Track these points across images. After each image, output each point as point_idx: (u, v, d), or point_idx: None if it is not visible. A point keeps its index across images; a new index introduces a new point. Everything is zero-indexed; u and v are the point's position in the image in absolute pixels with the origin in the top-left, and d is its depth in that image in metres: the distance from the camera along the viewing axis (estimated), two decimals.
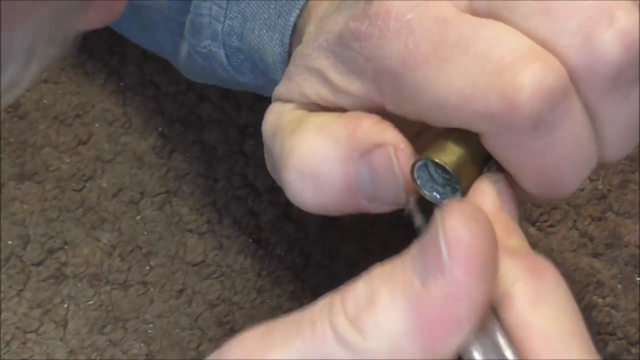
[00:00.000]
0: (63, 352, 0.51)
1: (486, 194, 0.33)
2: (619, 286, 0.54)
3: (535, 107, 0.31)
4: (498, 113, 0.31)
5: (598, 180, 0.57)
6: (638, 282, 0.54)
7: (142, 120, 0.57)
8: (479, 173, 0.34)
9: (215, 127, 0.56)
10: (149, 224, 0.54)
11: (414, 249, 0.28)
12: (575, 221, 0.56)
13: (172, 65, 0.58)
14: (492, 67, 0.31)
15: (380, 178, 0.34)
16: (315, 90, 0.36)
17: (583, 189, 0.57)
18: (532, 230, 0.55)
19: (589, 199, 0.56)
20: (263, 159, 0.56)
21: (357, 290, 0.28)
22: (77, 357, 0.51)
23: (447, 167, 0.33)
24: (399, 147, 0.33)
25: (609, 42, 0.31)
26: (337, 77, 0.35)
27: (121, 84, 0.58)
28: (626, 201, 0.56)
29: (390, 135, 0.33)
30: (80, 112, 0.57)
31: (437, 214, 0.27)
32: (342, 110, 0.36)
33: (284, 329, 0.28)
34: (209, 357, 0.28)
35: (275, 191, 0.55)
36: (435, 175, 0.34)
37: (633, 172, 0.57)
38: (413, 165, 0.33)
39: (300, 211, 0.55)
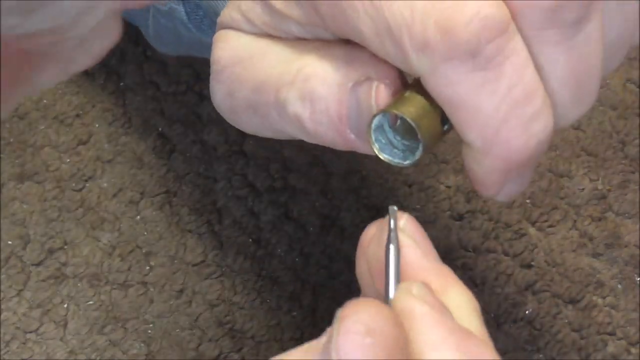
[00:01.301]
0: (63, 352, 0.51)
1: (404, 246, 0.33)
2: (619, 286, 0.54)
3: (473, 35, 0.30)
4: (435, 41, 0.30)
5: (598, 180, 0.57)
6: (638, 282, 0.54)
7: (142, 120, 0.57)
8: (441, 130, 0.33)
9: (215, 127, 0.56)
10: (149, 224, 0.54)
11: (323, 341, 0.29)
12: (575, 221, 0.56)
13: (172, 65, 0.58)
14: None
15: (362, 112, 0.34)
16: (260, 19, 0.36)
17: (583, 189, 0.57)
18: (532, 230, 0.55)
19: (589, 199, 0.56)
20: (263, 159, 0.56)
21: None
22: (77, 357, 0.51)
23: (405, 118, 0.32)
24: (381, 84, 0.33)
25: None
26: (279, 3, 0.35)
27: (121, 84, 0.58)
28: (626, 201, 0.56)
29: (382, 70, 0.33)
30: (80, 112, 0.57)
31: (337, 314, 0.28)
32: (292, 38, 0.36)
33: None
34: None
35: (275, 191, 0.55)
36: (395, 142, 0.34)
37: (633, 172, 0.57)
38: (370, 123, 0.33)
39: (300, 211, 0.55)
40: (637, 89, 0.60)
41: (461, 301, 0.32)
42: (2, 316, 0.51)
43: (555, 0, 0.31)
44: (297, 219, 0.54)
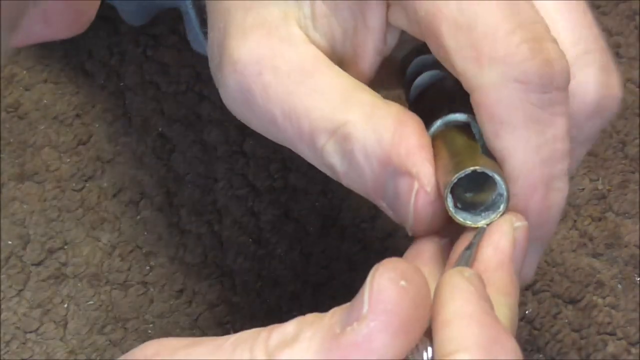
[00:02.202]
0: (63, 352, 0.51)
1: (503, 235, 0.32)
2: (619, 286, 0.54)
3: (557, 72, 0.32)
4: (520, 58, 0.31)
5: (598, 180, 0.57)
6: (638, 282, 0.54)
7: (142, 120, 0.57)
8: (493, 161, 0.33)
9: (215, 127, 0.56)
10: (149, 224, 0.54)
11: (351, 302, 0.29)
12: (575, 221, 0.56)
13: (172, 65, 0.58)
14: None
15: (398, 202, 0.34)
16: (329, 18, 0.35)
17: (583, 189, 0.57)
18: None
19: (589, 199, 0.56)
20: (263, 159, 0.56)
21: (286, 329, 0.29)
22: (77, 357, 0.51)
23: (490, 173, 0.32)
24: (424, 189, 0.33)
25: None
26: None
27: (121, 84, 0.58)
28: (626, 201, 0.56)
29: (424, 170, 0.33)
30: (80, 112, 0.57)
31: (373, 269, 0.28)
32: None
33: (208, 344, 0.29)
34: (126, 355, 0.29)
35: (275, 191, 0.55)
36: (463, 197, 0.33)
37: (633, 172, 0.57)
38: (446, 196, 0.32)
39: (300, 211, 0.55)
40: (637, 89, 0.60)
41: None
42: (2, 316, 0.51)
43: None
44: (297, 219, 0.54)
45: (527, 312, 0.53)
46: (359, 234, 0.54)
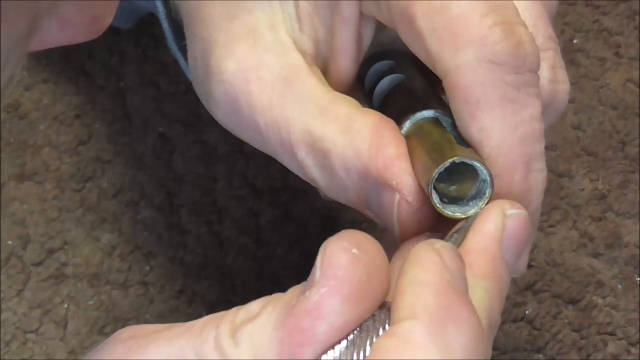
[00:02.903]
0: (63, 352, 0.51)
1: (489, 219, 0.32)
2: (619, 286, 0.54)
3: (529, 54, 0.32)
4: (493, 40, 0.32)
5: (598, 180, 0.57)
6: (638, 282, 0.54)
7: (142, 120, 0.57)
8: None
9: (215, 127, 0.56)
10: (149, 224, 0.54)
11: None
12: (575, 221, 0.56)
13: (172, 65, 0.58)
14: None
15: (382, 212, 0.34)
16: (314, 18, 0.36)
17: (583, 189, 0.57)
18: None
19: (589, 199, 0.56)
20: (263, 158, 0.56)
21: (252, 306, 0.29)
22: (77, 357, 0.51)
23: (470, 162, 0.31)
24: (405, 200, 0.33)
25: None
26: None
27: (121, 84, 0.58)
28: (626, 201, 0.56)
29: (404, 181, 0.33)
30: (80, 112, 0.57)
31: (328, 239, 0.28)
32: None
33: (180, 327, 0.29)
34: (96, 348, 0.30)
35: (275, 191, 0.55)
36: (446, 190, 0.33)
37: (633, 172, 0.57)
38: (430, 190, 0.32)
39: (300, 211, 0.55)
40: (637, 89, 0.60)
41: (486, 295, 0.31)
42: (2, 316, 0.51)
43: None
44: (297, 219, 0.54)
45: (527, 312, 0.53)
46: None
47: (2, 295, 0.52)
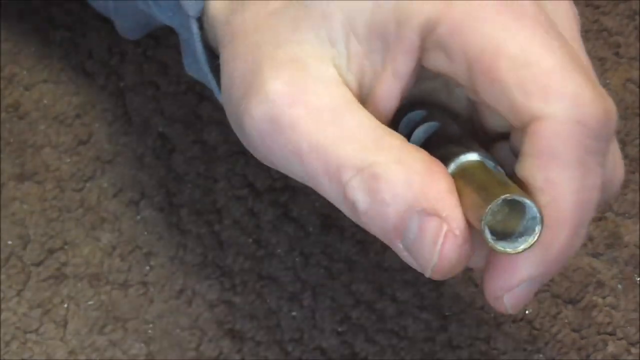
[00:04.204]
0: (63, 352, 0.51)
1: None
2: (619, 286, 0.54)
3: (611, 121, 0.34)
4: (587, 100, 0.33)
5: None
6: (638, 282, 0.54)
7: (142, 120, 0.57)
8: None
9: (215, 127, 0.56)
10: (149, 224, 0.54)
11: None
12: None
13: (172, 65, 0.58)
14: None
15: (420, 244, 0.34)
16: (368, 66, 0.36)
17: None
18: None
19: None
20: None
21: None
22: (77, 357, 0.51)
23: (522, 199, 0.32)
24: (453, 232, 0.33)
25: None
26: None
27: (121, 84, 0.58)
28: (626, 201, 0.56)
29: (454, 215, 0.33)
30: (80, 112, 0.57)
31: None
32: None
33: None
34: None
35: (275, 191, 0.55)
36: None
37: (633, 172, 0.57)
38: (484, 225, 0.32)
39: (300, 211, 0.55)
40: (637, 89, 0.60)
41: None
42: (2, 316, 0.51)
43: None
44: (297, 219, 0.54)
45: (527, 312, 0.53)
46: (359, 234, 0.54)
47: (2, 295, 0.52)
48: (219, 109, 0.57)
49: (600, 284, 0.54)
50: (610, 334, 0.53)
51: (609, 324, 0.53)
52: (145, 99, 0.57)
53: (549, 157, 0.33)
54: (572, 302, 0.54)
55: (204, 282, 0.53)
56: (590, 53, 0.61)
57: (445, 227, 0.33)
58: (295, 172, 0.37)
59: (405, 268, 0.54)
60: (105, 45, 0.58)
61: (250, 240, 0.54)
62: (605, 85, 0.60)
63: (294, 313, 0.52)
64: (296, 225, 0.54)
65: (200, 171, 0.55)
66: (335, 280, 0.53)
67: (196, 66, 0.43)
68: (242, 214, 0.54)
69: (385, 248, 0.54)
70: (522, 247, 0.33)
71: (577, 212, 0.33)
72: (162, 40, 0.58)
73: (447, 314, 0.53)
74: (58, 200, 0.54)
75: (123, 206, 0.54)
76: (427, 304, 0.53)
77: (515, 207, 0.33)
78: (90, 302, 0.52)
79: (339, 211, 0.55)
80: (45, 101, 0.57)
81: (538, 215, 0.32)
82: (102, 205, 0.54)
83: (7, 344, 0.51)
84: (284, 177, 0.55)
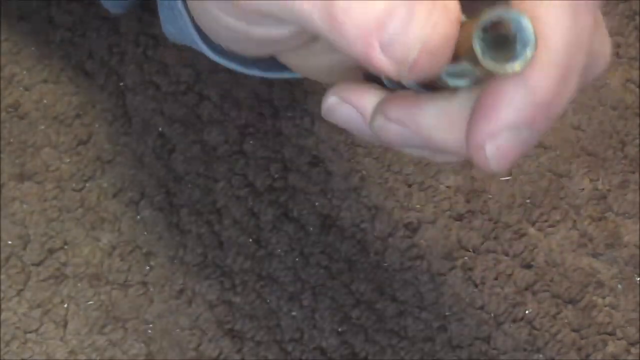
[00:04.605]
0: (63, 352, 0.51)
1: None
2: (619, 286, 0.54)
3: None
4: None
5: (598, 180, 0.57)
6: (638, 282, 0.54)
7: (142, 120, 0.57)
8: None
9: (215, 127, 0.56)
10: (149, 224, 0.54)
11: None
12: (575, 221, 0.56)
13: (172, 65, 0.58)
14: None
15: (407, 26, 0.30)
16: None
17: (583, 189, 0.57)
18: (532, 230, 0.55)
19: (589, 199, 0.56)
20: (263, 159, 0.56)
21: None
22: (77, 357, 0.51)
23: (516, 14, 0.28)
24: (445, 6, 0.29)
25: None
26: None
27: (121, 84, 0.58)
28: (626, 201, 0.56)
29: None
30: (80, 112, 0.57)
31: None
32: None
33: None
34: None
35: (275, 191, 0.55)
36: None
37: (633, 172, 0.57)
38: (475, 31, 0.29)
39: (300, 211, 0.55)
40: (637, 89, 0.60)
41: None
42: (2, 316, 0.51)
43: None
44: (297, 219, 0.54)
45: (527, 312, 0.53)
46: (359, 234, 0.54)
47: (2, 295, 0.52)
48: (218, 108, 0.57)
49: (600, 284, 0.54)
50: (610, 334, 0.53)
51: (609, 324, 0.53)
52: (145, 99, 0.57)
53: None
54: (572, 302, 0.54)
55: (204, 282, 0.53)
56: None
57: (437, 3, 0.29)
58: (254, 12, 0.32)
59: (405, 268, 0.54)
60: (105, 45, 0.58)
61: (250, 240, 0.54)
62: (605, 85, 0.60)
63: (294, 313, 0.52)
64: (296, 225, 0.54)
65: (200, 171, 0.55)
66: (335, 280, 0.53)
67: (177, 26, 0.42)
68: (242, 214, 0.54)
69: (385, 248, 0.54)
70: (515, 65, 0.29)
71: (566, 52, 0.30)
72: (162, 41, 0.58)
73: (447, 314, 0.53)
74: (58, 200, 0.54)
75: (123, 206, 0.54)
76: (427, 304, 0.53)
77: (504, 42, 0.29)
78: (90, 302, 0.52)
79: (339, 211, 0.55)
80: (45, 101, 0.57)
81: (531, 33, 0.29)
82: (102, 205, 0.54)
83: (7, 344, 0.51)
84: (284, 177, 0.55)
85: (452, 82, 0.31)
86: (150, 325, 0.52)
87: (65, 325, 0.51)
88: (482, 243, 0.55)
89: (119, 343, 0.51)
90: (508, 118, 0.30)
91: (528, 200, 0.56)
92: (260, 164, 0.56)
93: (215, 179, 0.55)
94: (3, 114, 0.56)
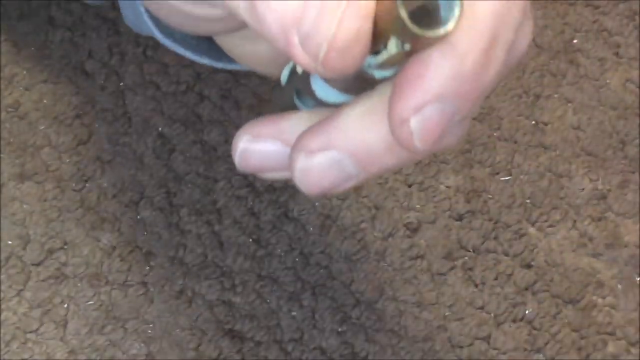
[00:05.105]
0: (63, 352, 0.51)
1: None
2: (619, 286, 0.54)
3: None
4: None
5: (598, 180, 0.57)
6: (638, 282, 0.54)
7: (142, 120, 0.57)
8: None
9: (215, 127, 0.56)
10: (149, 224, 0.54)
11: None
12: (575, 221, 0.56)
13: (172, 65, 0.58)
14: None
15: (319, 22, 0.29)
16: None
17: (583, 189, 0.57)
18: (532, 230, 0.55)
19: (589, 199, 0.56)
20: None
21: None
22: (77, 357, 0.51)
23: None
24: (357, 1, 0.28)
25: None
26: None
27: (121, 84, 0.58)
28: (626, 201, 0.56)
29: None
30: (80, 112, 0.57)
31: None
32: None
33: None
34: None
35: (275, 191, 0.55)
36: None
37: (633, 172, 0.57)
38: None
39: (300, 211, 0.55)
40: (637, 89, 0.60)
41: None
42: (2, 316, 0.51)
43: None
44: (297, 219, 0.54)
45: (527, 312, 0.53)
46: (359, 234, 0.54)
47: (2, 295, 0.52)
48: (218, 108, 0.57)
49: (600, 284, 0.54)
50: (610, 334, 0.53)
51: (609, 324, 0.53)
52: (145, 99, 0.57)
53: None
54: (572, 302, 0.54)
55: (204, 282, 0.53)
56: (590, 53, 0.61)
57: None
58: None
59: (405, 268, 0.54)
60: (105, 45, 0.58)
61: (250, 240, 0.54)
62: (605, 85, 0.60)
63: (294, 313, 0.52)
64: (296, 225, 0.54)
65: (200, 171, 0.55)
66: (335, 280, 0.53)
67: (132, 9, 0.41)
68: (242, 214, 0.54)
69: (385, 248, 0.54)
70: (448, 25, 0.27)
71: (493, 20, 0.29)
72: None
73: (447, 313, 0.53)
74: (58, 200, 0.54)
75: (123, 206, 0.54)
76: (427, 304, 0.53)
77: (432, 20, 0.28)
78: (90, 302, 0.52)
79: (339, 211, 0.55)
80: (45, 101, 0.57)
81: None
82: (102, 205, 0.54)
83: (7, 344, 0.51)
84: None
85: (379, 73, 0.30)
86: (150, 325, 0.52)
87: (65, 325, 0.51)
88: (482, 243, 0.55)
89: (119, 343, 0.51)
90: (435, 88, 0.29)
91: (528, 200, 0.56)
92: None
93: (215, 179, 0.55)
94: (3, 114, 0.56)
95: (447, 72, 0.29)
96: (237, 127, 0.58)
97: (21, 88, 0.57)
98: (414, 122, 0.29)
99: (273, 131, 0.35)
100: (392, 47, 0.29)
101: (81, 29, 0.59)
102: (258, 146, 0.35)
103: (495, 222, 0.55)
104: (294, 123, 0.34)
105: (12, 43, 0.58)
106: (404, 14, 0.27)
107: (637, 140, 0.58)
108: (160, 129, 0.56)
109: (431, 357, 0.52)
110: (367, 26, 0.29)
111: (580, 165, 0.57)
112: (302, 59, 0.29)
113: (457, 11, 0.28)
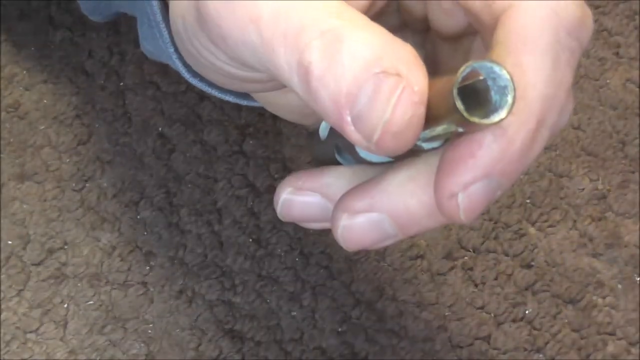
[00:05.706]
0: (63, 352, 0.51)
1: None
2: (619, 286, 0.54)
3: (591, 33, 0.32)
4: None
5: (598, 180, 0.57)
6: (638, 282, 0.54)
7: (142, 120, 0.57)
8: None
9: (215, 127, 0.56)
10: (149, 224, 0.54)
11: None
12: (575, 221, 0.56)
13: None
14: None
15: (372, 105, 0.30)
16: None
17: (583, 189, 0.57)
18: (532, 230, 0.55)
19: (589, 199, 0.56)
20: (263, 159, 0.56)
21: None
22: (77, 357, 0.51)
23: (500, 67, 0.28)
24: (411, 87, 0.29)
25: None
26: None
27: (121, 84, 0.58)
28: (626, 201, 0.56)
29: (416, 74, 0.30)
30: (80, 112, 0.57)
31: None
32: None
33: None
34: None
35: (275, 191, 0.55)
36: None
37: (633, 172, 0.57)
38: (455, 85, 0.28)
39: None
40: (637, 89, 0.60)
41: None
42: (2, 316, 0.51)
43: None
44: None
45: (527, 312, 0.53)
46: None
47: (2, 295, 0.52)
48: (219, 108, 0.57)
49: (600, 284, 0.54)
50: (610, 334, 0.53)
51: (609, 324, 0.53)
52: (145, 99, 0.57)
53: (521, 41, 0.30)
54: (572, 302, 0.54)
55: (204, 282, 0.53)
56: (590, 53, 0.61)
57: (403, 83, 0.29)
58: (250, 42, 0.32)
59: (405, 268, 0.54)
60: (105, 45, 0.58)
61: (250, 240, 0.54)
62: (605, 85, 0.60)
63: (294, 313, 0.52)
64: (296, 225, 0.54)
65: (200, 171, 0.55)
66: (335, 280, 0.53)
67: (155, 45, 0.42)
68: (242, 214, 0.54)
69: (385, 248, 0.54)
70: (496, 118, 0.28)
71: (542, 104, 0.30)
72: None
73: (447, 314, 0.53)
74: (58, 200, 0.54)
75: (123, 206, 0.54)
76: (427, 304, 0.53)
77: (480, 96, 0.29)
78: (90, 302, 0.52)
79: None
80: (45, 101, 0.57)
81: (508, 80, 0.28)
82: (102, 205, 0.54)
83: (7, 344, 0.51)
84: (284, 177, 0.55)
85: (428, 145, 0.31)
86: (150, 325, 0.52)
87: (65, 325, 0.51)
88: (482, 243, 0.55)
89: (119, 343, 0.51)
90: (484, 167, 0.30)
91: (528, 200, 0.56)
92: (260, 164, 0.56)
93: (215, 179, 0.55)
94: (3, 114, 0.56)
95: (496, 154, 0.30)
96: (237, 127, 0.59)
97: (21, 88, 0.57)
98: (462, 197, 0.31)
99: (315, 185, 0.36)
100: (444, 126, 0.30)
101: (81, 29, 0.59)
102: (300, 198, 0.36)
103: (495, 222, 0.55)
104: (335, 179, 0.35)
105: (12, 43, 0.58)
106: (460, 105, 0.28)
107: (637, 140, 0.58)
108: (160, 129, 0.56)
109: (431, 357, 0.52)
110: (420, 112, 0.30)
111: (580, 165, 0.57)
112: (355, 138, 0.30)
113: (510, 99, 0.29)
